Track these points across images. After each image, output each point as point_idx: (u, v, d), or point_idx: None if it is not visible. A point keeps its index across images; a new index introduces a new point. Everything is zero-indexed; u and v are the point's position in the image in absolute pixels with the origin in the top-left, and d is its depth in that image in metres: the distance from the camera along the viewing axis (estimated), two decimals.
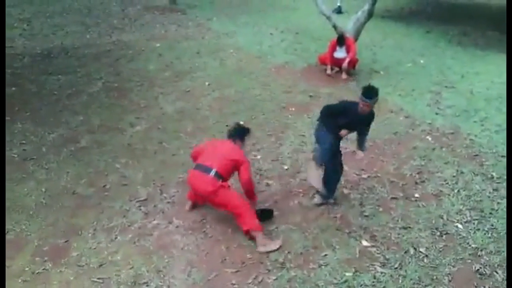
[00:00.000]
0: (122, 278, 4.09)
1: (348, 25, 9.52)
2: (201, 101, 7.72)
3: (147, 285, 4.01)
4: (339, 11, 14.03)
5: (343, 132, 4.58)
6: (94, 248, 4.43)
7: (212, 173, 4.37)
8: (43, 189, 5.31)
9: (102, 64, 9.30)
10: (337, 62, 8.75)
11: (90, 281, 4.05)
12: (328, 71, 8.83)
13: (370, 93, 4.35)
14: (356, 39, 9.31)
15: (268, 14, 14.15)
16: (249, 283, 4.04)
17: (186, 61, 9.59)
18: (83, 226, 4.72)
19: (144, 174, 5.61)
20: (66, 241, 4.51)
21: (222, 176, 4.43)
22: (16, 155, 5.94)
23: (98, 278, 4.08)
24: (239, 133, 4.80)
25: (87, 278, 4.09)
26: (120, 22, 12.70)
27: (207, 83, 8.45)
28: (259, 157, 6.04)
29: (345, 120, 4.50)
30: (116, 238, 4.56)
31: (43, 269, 4.17)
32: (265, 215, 4.76)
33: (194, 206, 4.95)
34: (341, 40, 8.56)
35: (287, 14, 14.17)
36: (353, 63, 8.77)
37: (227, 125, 6.83)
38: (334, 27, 9.30)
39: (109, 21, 12.75)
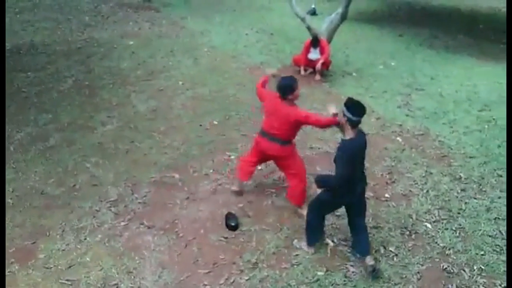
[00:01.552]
0: (92, 279, 4.03)
1: (322, 27, 9.60)
2: (175, 100, 7.65)
3: (117, 287, 3.96)
4: (313, 12, 14.11)
5: None
6: (63, 250, 4.35)
7: (279, 142, 4.56)
8: (10, 189, 5.17)
9: (73, 61, 9.11)
10: (311, 64, 8.82)
11: (59, 283, 3.98)
12: (302, 72, 8.89)
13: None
14: (329, 41, 9.40)
15: (243, 14, 14.14)
16: (221, 284, 4.03)
17: (159, 59, 9.49)
18: (51, 227, 4.62)
19: (115, 174, 5.52)
20: (33, 243, 4.41)
21: (287, 141, 4.61)
22: None
23: (67, 280, 4.01)
24: (284, 92, 4.44)
25: (55, 280, 4.01)
26: (92, 19, 12.48)
27: (180, 82, 8.39)
28: (233, 157, 6.02)
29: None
30: (85, 239, 4.48)
31: (9, 272, 4.08)
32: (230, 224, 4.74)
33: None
34: (315, 42, 8.63)
35: (262, 14, 14.19)
36: (326, 64, 8.84)
37: (200, 125, 6.82)
38: (308, 28, 9.36)
39: (81, 18, 12.51)
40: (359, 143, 3.89)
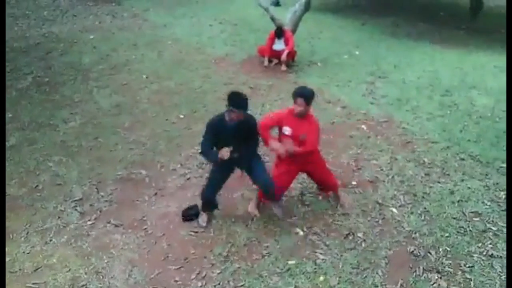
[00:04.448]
0: (59, 281, 3.94)
1: (286, 17, 9.60)
2: (139, 95, 7.52)
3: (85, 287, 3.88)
4: (276, 3, 14.09)
5: (222, 153, 4.07)
6: (28, 252, 4.24)
7: None
8: None
9: (31, 58, 8.82)
10: (276, 54, 8.82)
11: (25, 287, 3.87)
12: (265, 63, 8.88)
13: (238, 101, 3.98)
14: (294, 31, 9.42)
15: (206, 5, 13.99)
16: (193, 279, 4.01)
17: (122, 53, 9.30)
18: (15, 230, 4.49)
19: (79, 172, 5.40)
20: None
21: None
22: None
23: (33, 283, 3.92)
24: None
25: (21, 284, 3.91)
26: (51, 14, 12.10)
27: (144, 76, 8.24)
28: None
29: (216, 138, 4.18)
30: (51, 240, 4.37)
31: None
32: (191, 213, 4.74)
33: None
34: (279, 32, 8.63)
35: (226, 5, 14.07)
36: (291, 55, 8.86)
37: (167, 119, 6.74)
38: (272, 19, 9.35)
39: (39, 13, 12.10)
40: (223, 123, 4.07)
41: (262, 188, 4.47)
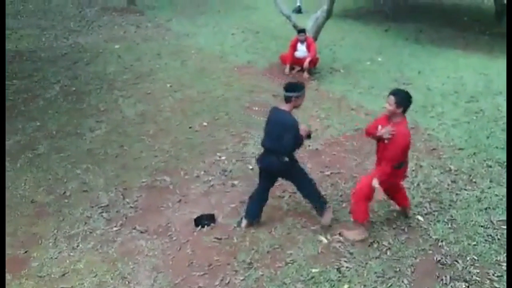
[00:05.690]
0: (86, 286, 3.99)
1: (307, 24, 9.62)
2: (163, 103, 7.62)
3: None
4: (298, 10, 14.15)
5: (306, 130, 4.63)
6: (56, 258, 4.31)
7: None
8: None
9: (59, 67, 9.03)
10: (298, 61, 8.84)
11: None
12: (286, 71, 8.89)
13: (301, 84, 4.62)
14: (315, 38, 9.43)
15: (228, 14, 14.13)
16: (217, 285, 4.02)
17: (146, 62, 9.45)
18: (43, 235, 4.58)
19: (105, 179, 5.49)
20: (25, 252, 4.36)
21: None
22: None
23: None
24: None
25: None
26: (77, 24, 12.39)
27: (168, 85, 8.36)
28: (223, 157, 6.01)
29: None
30: (78, 246, 4.44)
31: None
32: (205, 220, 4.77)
33: None
34: (302, 32, 8.64)
35: (247, 14, 14.19)
36: (314, 62, 8.87)
37: (190, 127, 6.81)
38: (294, 26, 9.39)
39: (66, 24, 12.40)
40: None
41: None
